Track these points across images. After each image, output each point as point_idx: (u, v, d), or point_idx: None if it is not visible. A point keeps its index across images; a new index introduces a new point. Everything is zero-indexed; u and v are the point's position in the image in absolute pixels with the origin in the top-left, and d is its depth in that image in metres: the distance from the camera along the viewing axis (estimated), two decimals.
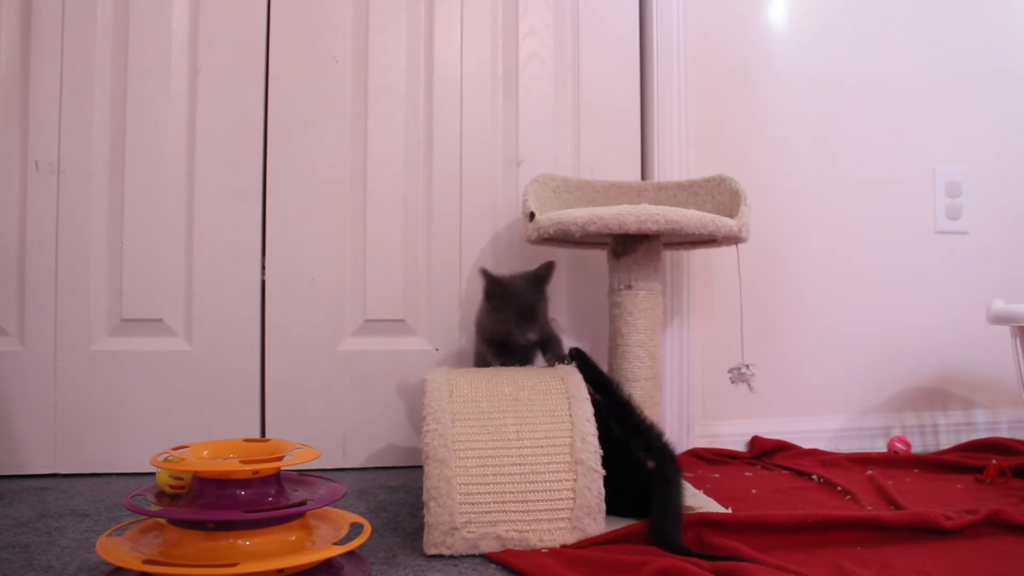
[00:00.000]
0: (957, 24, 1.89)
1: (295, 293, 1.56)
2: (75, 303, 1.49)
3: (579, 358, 1.21)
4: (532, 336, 1.26)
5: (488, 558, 0.99)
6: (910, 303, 1.85)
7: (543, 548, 1.00)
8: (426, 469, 1.02)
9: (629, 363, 1.37)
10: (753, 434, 1.71)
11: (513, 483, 1.02)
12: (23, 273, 1.48)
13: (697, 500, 1.23)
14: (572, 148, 1.69)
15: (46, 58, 1.49)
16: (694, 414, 1.70)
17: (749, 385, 1.46)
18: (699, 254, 1.71)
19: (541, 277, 1.30)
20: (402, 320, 1.61)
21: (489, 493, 1.01)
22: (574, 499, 1.02)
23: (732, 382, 1.48)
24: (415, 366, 1.58)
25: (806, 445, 1.70)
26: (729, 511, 1.13)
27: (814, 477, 1.44)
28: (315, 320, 1.57)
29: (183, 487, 0.91)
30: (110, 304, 1.51)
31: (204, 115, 1.54)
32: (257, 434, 1.55)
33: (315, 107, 1.58)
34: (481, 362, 1.37)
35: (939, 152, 1.88)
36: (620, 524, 1.05)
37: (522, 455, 1.03)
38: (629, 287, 1.39)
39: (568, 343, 1.65)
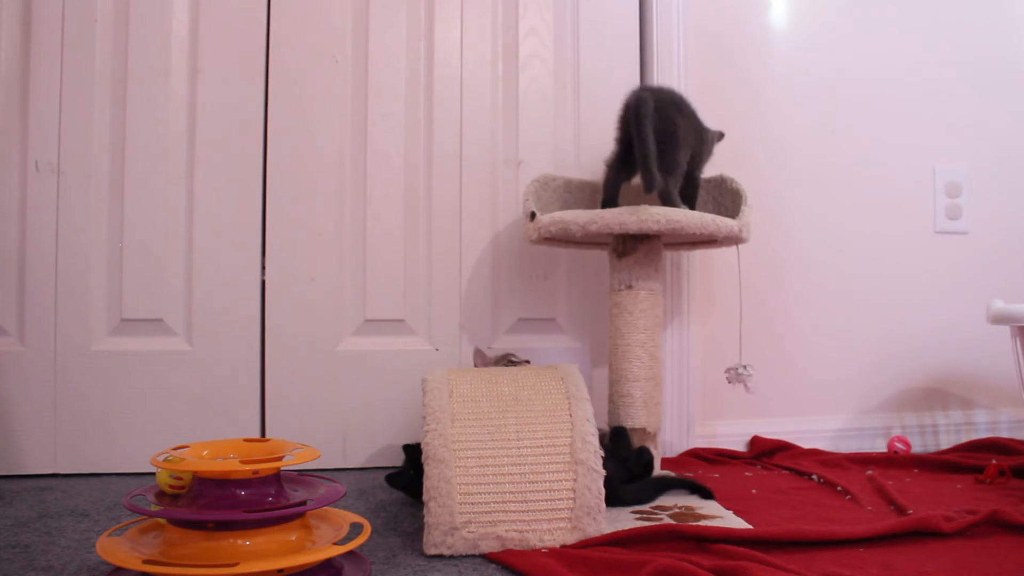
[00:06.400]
0: (957, 24, 1.89)
1: (295, 293, 1.56)
2: (75, 303, 1.49)
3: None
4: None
5: (488, 558, 0.99)
6: (910, 303, 1.84)
7: (543, 548, 1.00)
8: (426, 469, 1.02)
9: (629, 363, 1.37)
10: (753, 434, 1.71)
11: (513, 483, 1.02)
12: (23, 273, 1.48)
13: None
14: (572, 148, 1.69)
15: (46, 58, 1.48)
16: (694, 414, 1.70)
17: (746, 386, 1.47)
18: (699, 254, 1.71)
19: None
20: (402, 320, 1.61)
21: (489, 493, 1.01)
22: (574, 499, 1.02)
23: (729, 382, 1.48)
24: (415, 366, 1.58)
25: (806, 445, 1.70)
26: (751, 527, 1.13)
27: (814, 477, 1.44)
28: (315, 320, 1.57)
29: (183, 487, 0.91)
30: (110, 304, 1.51)
31: (204, 115, 1.54)
32: (257, 434, 1.55)
33: (315, 107, 1.58)
34: None
35: (939, 152, 1.88)
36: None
37: (522, 455, 1.03)
38: (630, 287, 1.39)
39: (568, 342, 1.67)
